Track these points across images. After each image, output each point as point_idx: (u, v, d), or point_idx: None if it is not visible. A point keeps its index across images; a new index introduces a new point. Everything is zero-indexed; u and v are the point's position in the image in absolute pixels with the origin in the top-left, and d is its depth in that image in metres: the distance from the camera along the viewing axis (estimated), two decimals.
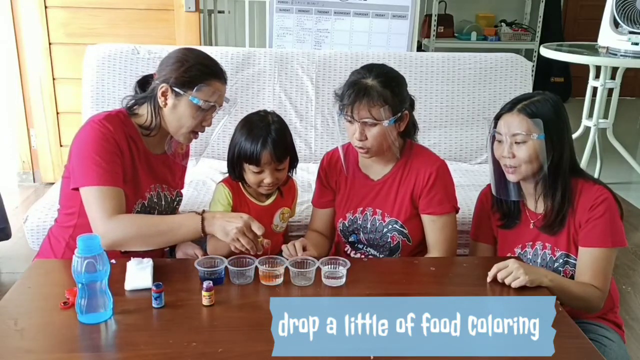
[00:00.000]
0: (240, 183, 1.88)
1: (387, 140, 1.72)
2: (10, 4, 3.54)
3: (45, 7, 3.50)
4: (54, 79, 3.62)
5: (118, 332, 1.36)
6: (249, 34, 3.84)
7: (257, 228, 1.57)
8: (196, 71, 1.69)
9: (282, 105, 2.90)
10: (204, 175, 2.64)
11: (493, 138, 1.70)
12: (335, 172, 1.91)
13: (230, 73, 2.86)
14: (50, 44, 3.56)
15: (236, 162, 1.80)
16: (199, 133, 1.76)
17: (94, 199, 1.60)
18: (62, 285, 1.46)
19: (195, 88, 1.67)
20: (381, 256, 1.86)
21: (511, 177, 1.67)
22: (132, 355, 1.26)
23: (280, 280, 1.55)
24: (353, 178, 1.87)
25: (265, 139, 1.74)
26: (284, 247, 1.69)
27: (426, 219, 1.80)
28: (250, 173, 1.79)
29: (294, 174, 1.92)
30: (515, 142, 1.63)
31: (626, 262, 2.94)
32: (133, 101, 1.76)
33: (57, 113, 3.66)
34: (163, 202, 1.83)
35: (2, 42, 3.61)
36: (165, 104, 1.70)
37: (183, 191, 2.45)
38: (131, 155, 1.71)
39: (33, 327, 1.37)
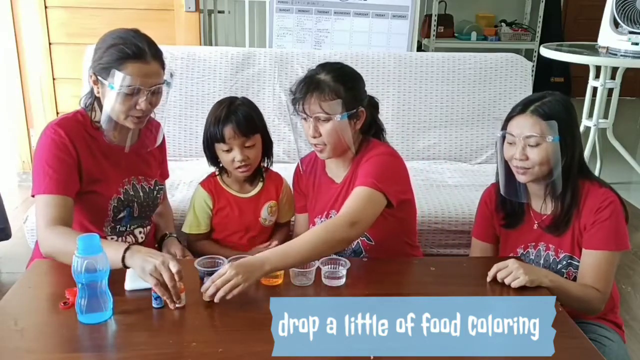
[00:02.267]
0: (218, 177, 1.91)
1: (342, 137, 1.69)
2: (10, 4, 3.54)
3: (45, 7, 3.49)
4: (54, 79, 3.62)
5: (118, 332, 1.36)
6: (249, 34, 3.84)
7: (174, 266, 1.39)
8: (109, 56, 1.61)
9: (282, 105, 2.90)
10: (204, 175, 2.63)
11: (503, 139, 1.68)
12: (306, 176, 1.92)
13: (230, 73, 2.88)
14: (50, 44, 3.56)
15: (207, 145, 1.85)
16: (142, 115, 1.66)
17: (40, 207, 1.62)
18: (62, 285, 1.46)
19: (110, 74, 1.59)
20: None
21: (522, 178, 1.65)
22: (132, 355, 1.26)
23: (280, 281, 1.55)
24: (320, 183, 1.87)
25: (228, 115, 1.79)
26: None
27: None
28: (221, 153, 1.83)
29: (270, 162, 1.94)
30: (529, 145, 1.61)
31: (626, 262, 2.94)
32: (90, 97, 1.73)
33: (57, 113, 3.64)
34: (141, 194, 1.81)
35: (2, 42, 3.61)
36: (99, 93, 1.67)
37: (180, 191, 2.48)
38: (92, 154, 1.70)
39: (33, 327, 1.37)
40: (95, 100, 1.71)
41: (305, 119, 1.71)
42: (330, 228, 1.56)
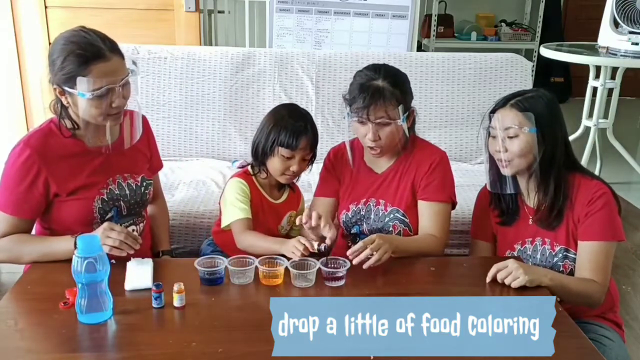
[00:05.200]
0: (253, 177, 1.90)
1: (397, 137, 1.78)
2: (10, 4, 3.53)
3: (45, 7, 3.50)
4: None
5: (118, 332, 1.36)
6: (249, 34, 3.84)
7: (116, 226, 1.61)
8: (70, 64, 1.57)
9: None
10: (204, 175, 2.64)
11: (488, 133, 1.72)
12: (342, 163, 1.95)
13: (230, 73, 2.88)
14: (50, 43, 3.55)
15: (269, 146, 1.82)
16: (119, 111, 1.65)
17: None
18: (62, 285, 1.46)
19: (78, 82, 1.56)
20: None
21: (505, 171, 1.70)
22: (132, 355, 1.27)
23: (280, 281, 1.55)
24: (357, 171, 1.92)
25: (306, 125, 1.83)
26: (303, 217, 1.64)
27: (421, 204, 1.83)
28: (278, 159, 1.83)
29: (309, 170, 1.95)
30: (508, 137, 1.66)
31: (626, 262, 2.94)
32: (59, 107, 1.70)
33: None
34: (128, 191, 1.79)
35: (2, 42, 3.60)
36: (68, 103, 1.65)
37: (180, 191, 2.48)
38: (67, 163, 1.68)
39: (33, 327, 1.37)
40: (63, 109, 1.68)
41: (363, 122, 1.75)
42: (434, 244, 1.78)
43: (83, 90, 1.57)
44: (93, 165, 1.72)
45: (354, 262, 1.56)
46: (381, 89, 1.73)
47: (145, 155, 1.90)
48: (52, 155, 1.66)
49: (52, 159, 1.66)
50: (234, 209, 1.84)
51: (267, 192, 1.91)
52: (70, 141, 1.70)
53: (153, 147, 1.95)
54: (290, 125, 1.81)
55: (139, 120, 1.76)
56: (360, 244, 1.58)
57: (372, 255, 1.56)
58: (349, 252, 1.58)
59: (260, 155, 1.86)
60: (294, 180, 1.96)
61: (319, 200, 1.97)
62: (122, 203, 1.77)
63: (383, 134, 1.75)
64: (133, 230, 1.81)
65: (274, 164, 1.84)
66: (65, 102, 1.65)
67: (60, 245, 1.62)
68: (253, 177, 1.90)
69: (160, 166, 2.01)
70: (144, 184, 1.85)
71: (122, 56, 1.64)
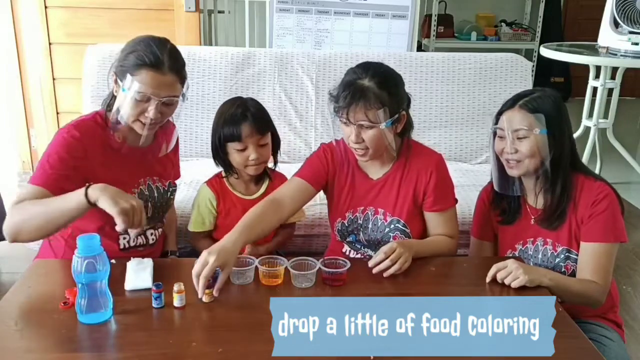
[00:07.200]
0: (225, 179, 1.91)
1: (384, 142, 1.69)
2: (10, 4, 3.53)
3: (45, 7, 3.50)
4: (54, 79, 3.62)
5: (118, 332, 1.36)
6: (249, 34, 3.84)
7: (144, 218, 1.51)
8: (130, 59, 1.63)
9: (282, 105, 2.90)
10: (204, 175, 2.63)
11: (494, 134, 1.71)
12: (335, 164, 1.84)
13: (230, 73, 2.88)
14: (50, 44, 3.56)
15: (220, 145, 1.85)
16: (151, 122, 1.66)
17: (22, 192, 1.62)
18: (62, 285, 1.46)
19: (126, 78, 1.62)
20: None
21: (513, 172, 1.69)
22: (132, 355, 1.27)
23: (280, 281, 1.55)
24: (352, 176, 1.84)
25: (244, 113, 1.82)
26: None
27: (431, 215, 1.81)
28: (235, 153, 1.84)
29: (279, 155, 1.94)
30: (517, 138, 1.64)
31: (626, 262, 2.93)
32: (110, 98, 1.74)
33: (57, 113, 3.65)
34: (156, 194, 1.83)
35: (2, 42, 3.60)
36: (116, 92, 1.68)
37: (181, 191, 2.48)
38: (107, 156, 1.70)
39: (33, 327, 1.37)
40: (113, 100, 1.71)
41: (346, 123, 1.67)
42: (450, 244, 1.80)
43: (125, 86, 1.62)
44: (128, 163, 1.75)
45: (374, 271, 1.57)
46: (364, 90, 1.63)
47: (172, 163, 1.95)
48: (95, 145, 1.69)
49: (95, 148, 1.68)
50: (196, 219, 1.95)
51: (241, 191, 1.93)
52: (113, 134, 1.72)
53: (177, 158, 2.01)
54: (229, 117, 1.82)
55: (176, 133, 1.82)
56: (381, 254, 1.58)
57: (392, 264, 1.57)
58: (370, 264, 1.58)
59: (220, 157, 1.88)
60: (272, 166, 1.96)
61: (293, 179, 1.82)
62: (149, 205, 1.80)
63: (367, 136, 1.65)
64: (151, 234, 1.85)
65: (234, 159, 1.86)
66: (114, 91, 1.69)
67: (69, 195, 1.52)
68: (224, 180, 1.93)
69: (178, 176, 2.04)
70: (170, 189, 1.90)
71: (181, 79, 1.68)
